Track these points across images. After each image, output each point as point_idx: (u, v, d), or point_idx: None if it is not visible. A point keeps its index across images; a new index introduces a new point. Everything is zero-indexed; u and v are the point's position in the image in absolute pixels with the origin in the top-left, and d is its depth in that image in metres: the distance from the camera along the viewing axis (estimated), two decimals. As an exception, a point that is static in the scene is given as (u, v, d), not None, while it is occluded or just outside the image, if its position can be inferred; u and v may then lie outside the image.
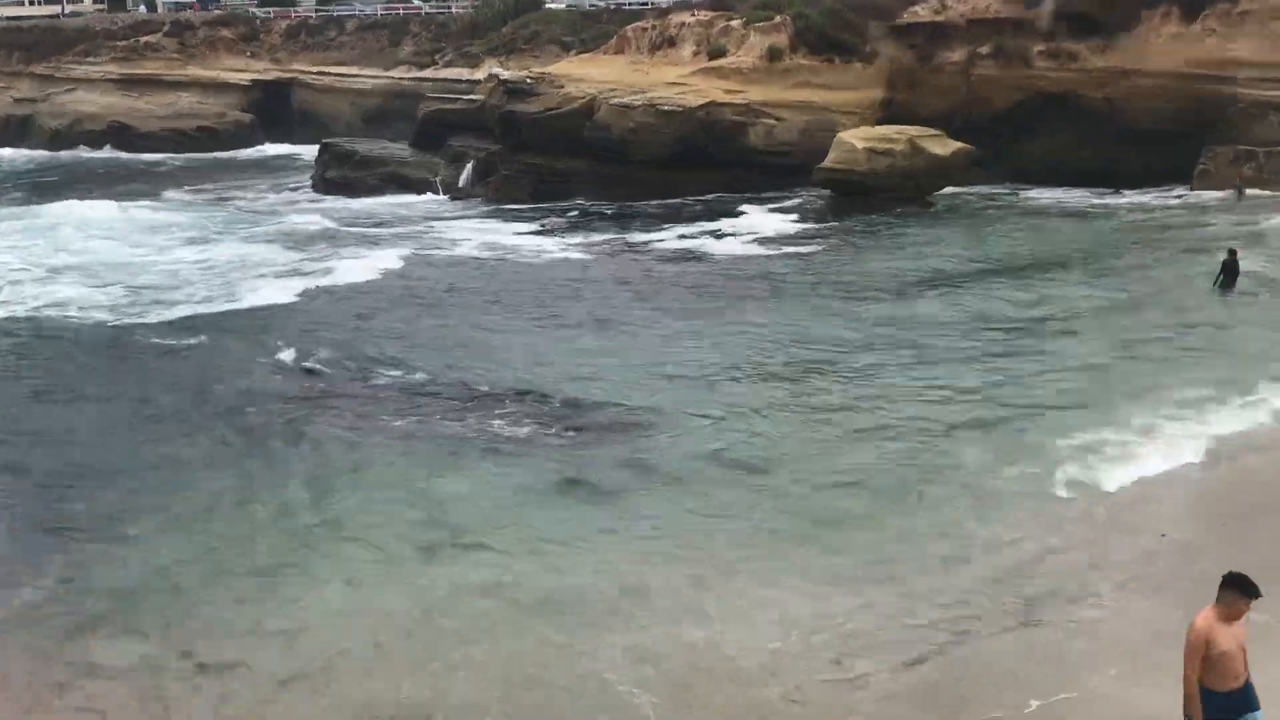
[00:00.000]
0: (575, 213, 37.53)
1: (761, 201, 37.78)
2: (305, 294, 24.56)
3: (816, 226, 33.33)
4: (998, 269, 25.67)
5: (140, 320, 22.48)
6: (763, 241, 31.28)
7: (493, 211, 37.94)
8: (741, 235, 32.44)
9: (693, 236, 32.43)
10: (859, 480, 13.87)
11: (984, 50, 40.60)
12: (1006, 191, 38.12)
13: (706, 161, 40.14)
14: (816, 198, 37.98)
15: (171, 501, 13.31)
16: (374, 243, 31.67)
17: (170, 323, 22.14)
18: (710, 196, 39.00)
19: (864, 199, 36.00)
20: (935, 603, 10.51)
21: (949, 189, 37.77)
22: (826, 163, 36.85)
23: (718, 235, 32.76)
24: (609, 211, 37.44)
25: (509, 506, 12.97)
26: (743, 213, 35.67)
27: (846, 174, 36.41)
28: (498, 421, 16.31)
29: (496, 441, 15.51)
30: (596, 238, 32.74)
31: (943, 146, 37.02)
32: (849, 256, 28.23)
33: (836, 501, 13.24)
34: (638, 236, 32.77)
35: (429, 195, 42.02)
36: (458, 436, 15.65)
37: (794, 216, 35.08)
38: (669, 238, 32.45)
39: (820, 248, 30.00)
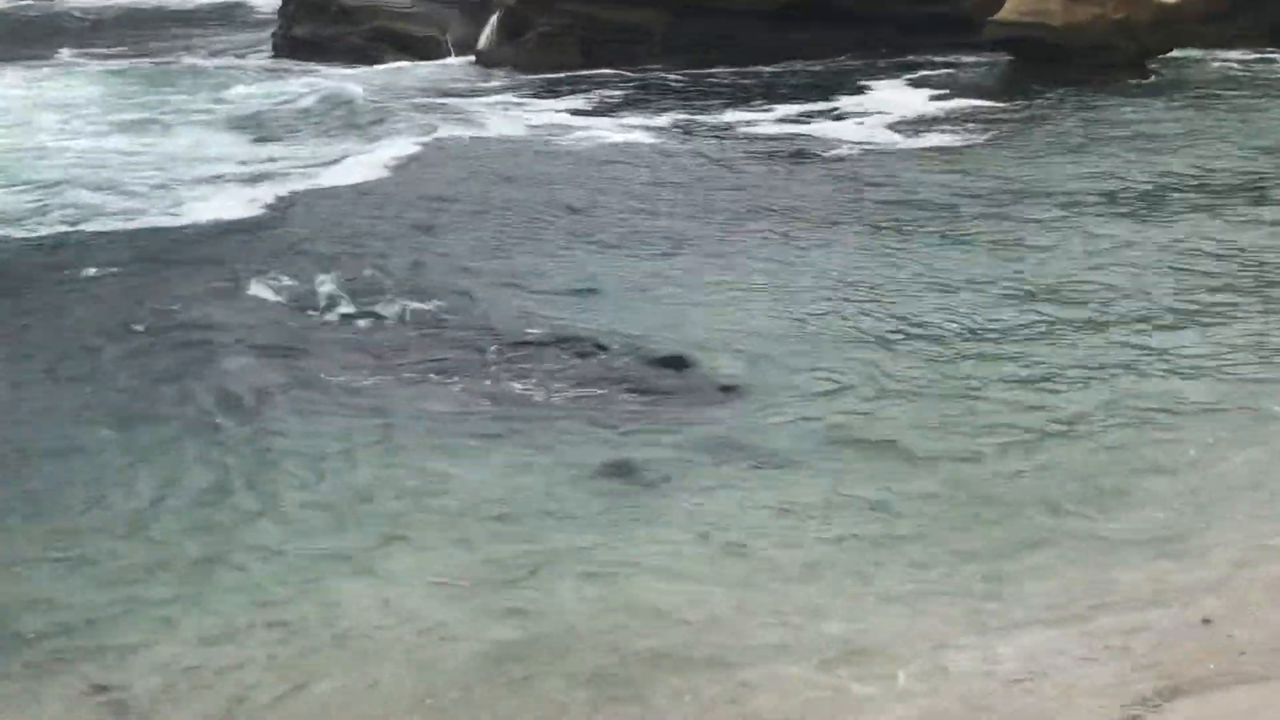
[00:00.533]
0: (639, 85, 37.59)
1: (905, 70, 37.57)
2: (276, 204, 24.82)
3: (980, 106, 33.04)
4: (1242, 183, 25.30)
5: (49, 236, 22.87)
6: (903, 130, 31.11)
7: (526, 85, 38.07)
8: (870, 119, 32.34)
9: (800, 120, 32.45)
10: (1036, 472, 13.90)
11: None
12: (1268, 56, 37.53)
13: (832, 12, 39.93)
14: (987, 65, 37.62)
15: (72, 498, 13.56)
16: (365, 129, 31.94)
17: (90, 242, 22.49)
18: (836, 63, 38.85)
19: (1056, 67, 35.67)
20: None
21: (1179, 51, 37.27)
22: (1004, 13, 36.51)
23: (836, 116, 32.78)
24: (685, 83, 37.44)
25: (539, 511, 13.11)
26: (868, 88, 35.54)
27: (1033, 30, 36.08)
28: (528, 381, 16.42)
29: (526, 410, 15.62)
30: (665, 120, 32.90)
31: (1173, -11, 36.57)
32: (1025, 156, 27.97)
33: (1009, 501, 13.29)
34: (726, 118, 32.84)
35: (436, 62, 42.20)
36: (475, 404, 15.78)
37: (945, 92, 34.82)
38: (766, 121, 32.46)
39: (982, 139, 29.75)
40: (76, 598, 11.55)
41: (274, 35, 46.47)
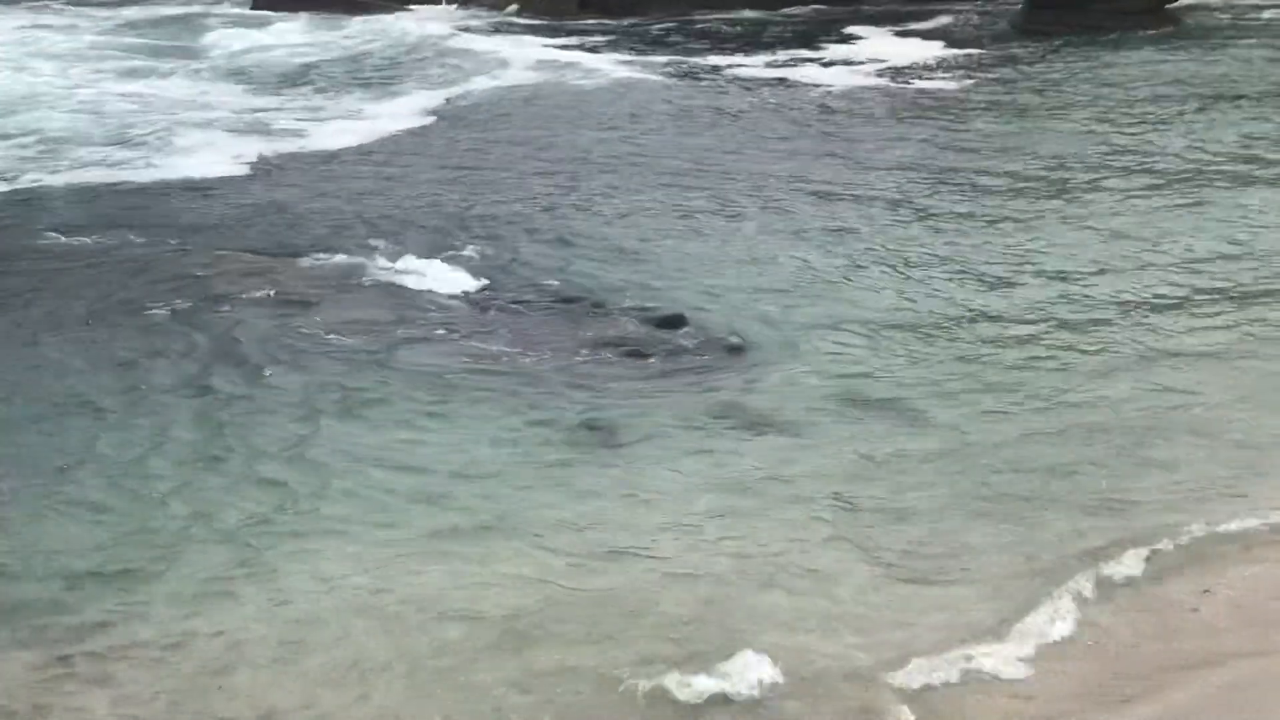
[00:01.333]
0: (631, 33, 37.31)
1: (912, 17, 37.09)
2: (264, 162, 24.38)
3: (986, 54, 32.41)
4: (1241, 154, 24.33)
5: (37, 190, 22.48)
6: (904, 78, 30.59)
7: (524, 29, 37.91)
8: (870, 65, 32.03)
9: (792, 64, 32.32)
10: (1063, 439, 13.26)
11: None
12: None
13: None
14: (998, 12, 37.07)
15: (56, 457, 13.15)
16: (370, 79, 31.50)
17: (87, 195, 22.07)
18: (838, 8, 38.41)
19: (1071, 12, 35.07)
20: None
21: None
22: (1017, -43, 35.88)
23: (829, 63, 32.50)
24: (681, 31, 37.21)
25: (534, 481, 12.56)
26: (870, 34, 35.16)
27: (1046, -30, 35.45)
28: (518, 340, 15.97)
29: (513, 370, 15.15)
30: (661, 58, 32.80)
31: (1194, -70, 35.86)
32: (1022, 111, 27.28)
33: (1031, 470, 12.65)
34: (720, 64, 32.67)
35: (427, 9, 41.64)
36: (460, 363, 15.30)
37: (952, 39, 34.31)
38: (759, 66, 32.33)
39: (984, 90, 29.06)
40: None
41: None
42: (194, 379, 14.89)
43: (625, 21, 38.72)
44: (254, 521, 11.73)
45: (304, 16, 41.03)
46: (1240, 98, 26.97)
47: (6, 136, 25.67)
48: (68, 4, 44.63)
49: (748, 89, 29.70)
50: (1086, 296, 16.49)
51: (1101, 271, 17.40)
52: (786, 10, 38.60)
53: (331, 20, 40.10)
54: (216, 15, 41.81)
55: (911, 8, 38.02)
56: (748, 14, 38.50)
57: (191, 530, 11.64)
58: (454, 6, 41.63)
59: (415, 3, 42.20)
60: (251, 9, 43.68)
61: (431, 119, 27.72)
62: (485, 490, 12.32)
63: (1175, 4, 36.12)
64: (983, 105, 27.19)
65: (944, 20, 36.76)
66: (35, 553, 11.35)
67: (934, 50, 32.95)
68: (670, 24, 37.91)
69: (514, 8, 41.07)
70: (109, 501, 12.29)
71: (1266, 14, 35.32)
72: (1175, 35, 33.70)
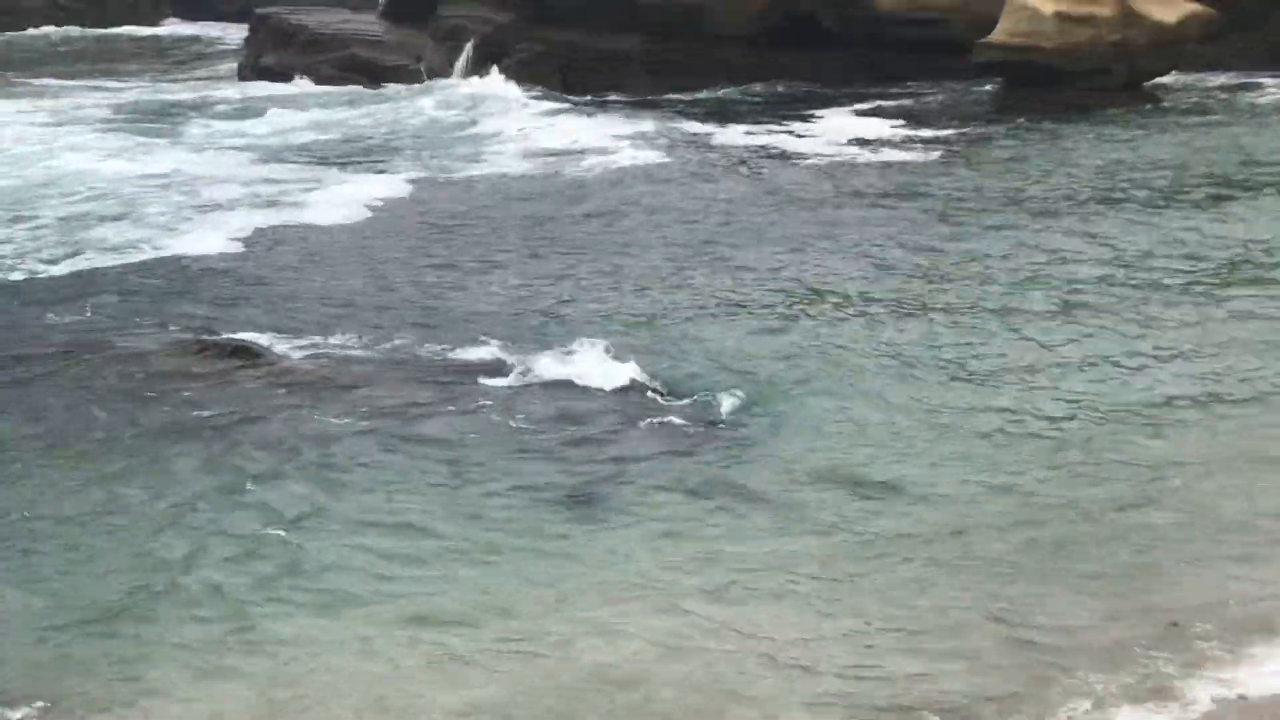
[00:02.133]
0: (623, 106, 37.36)
1: (889, 93, 37.27)
2: (254, 238, 24.26)
3: (962, 131, 32.53)
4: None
5: (32, 275, 22.35)
6: (878, 149, 30.80)
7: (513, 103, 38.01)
8: (847, 139, 32.25)
9: (775, 135, 32.63)
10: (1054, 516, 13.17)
11: None
12: (1259, 81, 37.12)
13: (817, 37, 39.55)
14: (976, 89, 37.22)
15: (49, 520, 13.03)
16: (362, 154, 31.58)
17: (71, 279, 21.91)
18: (817, 86, 38.56)
19: (1048, 90, 35.27)
20: None
21: (1175, 76, 37.00)
22: (995, 35, 36.05)
23: (811, 135, 32.80)
24: (666, 104, 37.44)
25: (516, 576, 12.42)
26: (848, 109, 35.43)
27: (1025, 53, 35.60)
28: (500, 413, 15.84)
29: (509, 444, 15.04)
30: (645, 135, 33.00)
31: (1169, 10, 36.12)
32: (1021, 190, 27.40)
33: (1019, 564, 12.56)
34: (707, 136, 33.07)
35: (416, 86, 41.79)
36: (438, 435, 15.24)
37: (926, 115, 34.46)
38: (743, 137, 32.66)
39: (961, 162, 29.27)
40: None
41: (240, 65, 46.04)
42: (185, 457, 14.76)
43: (608, 97, 38.90)
44: (245, 592, 11.74)
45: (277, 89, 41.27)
46: (1221, 178, 27.08)
47: (18, 222, 25.59)
48: (65, 84, 44.54)
49: (732, 165, 29.82)
50: (1076, 396, 16.33)
51: (1091, 365, 17.29)
52: (756, 88, 38.74)
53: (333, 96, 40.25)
54: (220, 93, 41.59)
55: (891, 87, 38.10)
56: (722, 92, 38.71)
57: (185, 598, 11.68)
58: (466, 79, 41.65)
59: (388, 83, 42.23)
60: (240, 80, 44.00)
61: (424, 193, 27.68)
62: (472, 566, 12.25)
63: (1151, 82, 36.32)
64: (969, 185, 27.23)
65: (927, 99, 36.88)
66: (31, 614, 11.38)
67: (917, 129, 33.02)
68: (648, 100, 38.00)
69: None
70: (113, 564, 12.24)
71: (1244, 96, 35.56)
72: (1153, 113, 33.89)
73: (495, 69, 40.49)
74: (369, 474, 14.41)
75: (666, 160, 30.12)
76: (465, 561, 12.45)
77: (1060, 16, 35.37)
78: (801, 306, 19.79)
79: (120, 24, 57.42)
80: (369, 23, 46.57)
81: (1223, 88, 36.89)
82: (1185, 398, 15.85)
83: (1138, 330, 18.14)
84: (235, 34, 51.85)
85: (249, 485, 14.06)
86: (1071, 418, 15.33)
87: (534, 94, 38.79)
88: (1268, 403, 15.75)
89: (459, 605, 11.62)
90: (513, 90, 39.12)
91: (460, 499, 13.74)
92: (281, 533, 12.96)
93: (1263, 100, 35.13)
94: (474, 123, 35.58)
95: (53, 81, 44.83)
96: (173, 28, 57.69)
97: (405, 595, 11.77)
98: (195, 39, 55.51)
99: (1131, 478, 13.84)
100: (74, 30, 56.30)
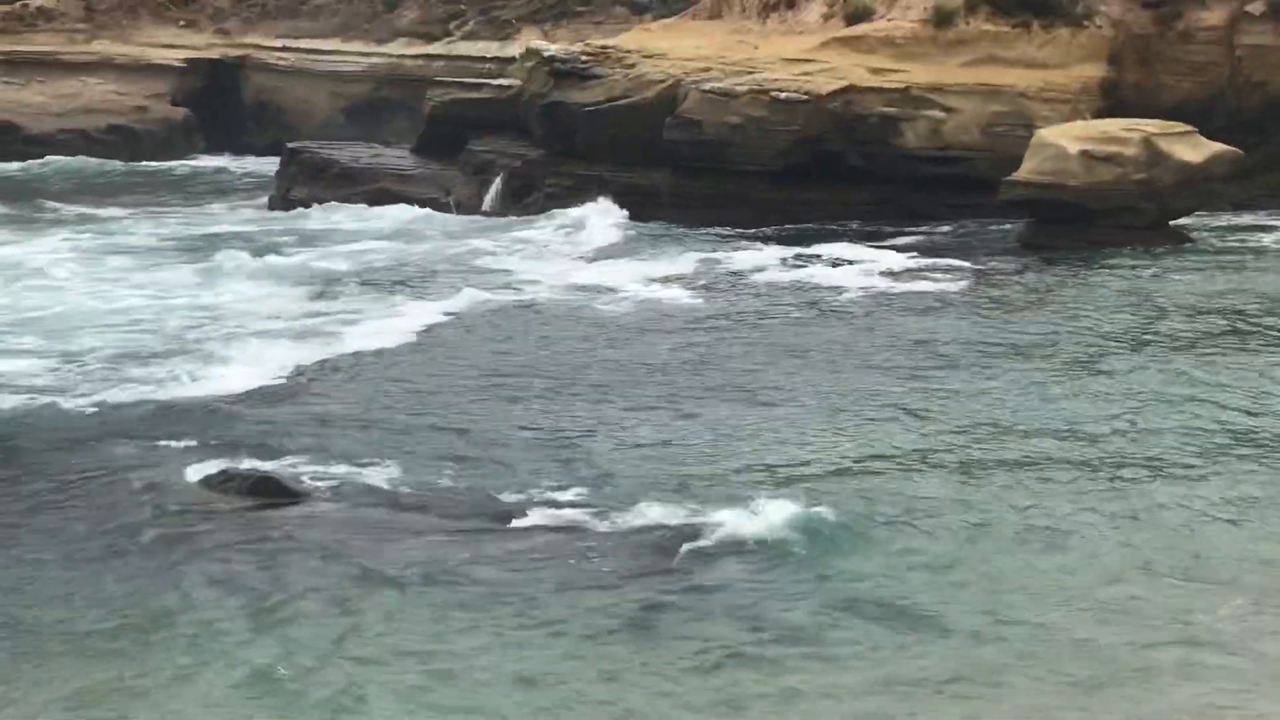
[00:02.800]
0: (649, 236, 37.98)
1: (914, 230, 37.43)
2: (296, 372, 24.36)
3: (990, 270, 32.68)
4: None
5: (61, 409, 22.42)
6: (904, 285, 30.98)
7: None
8: (874, 276, 32.48)
9: (802, 270, 33.23)
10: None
11: (1256, 8, 40.06)
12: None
13: (843, 173, 39.91)
14: (1004, 228, 37.36)
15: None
16: (399, 287, 31.93)
17: (100, 415, 21.96)
18: (842, 223, 38.82)
19: (1075, 228, 35.43)
20: None
21: (1201, 215, 37.16)
22: (1021, 174, 36.21)
23: (837, 268, 33.25)
24: (693, 238, 37.91)
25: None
26: (874, 247, 35.64)
27: (1051, 191, 35.78)
28: (540, 559, 15.93)
29: (528, 584, 15.12)
30: (670, 272, 33.56)
31: (1195, 150, 36.30)
32: (1029, 318, 27.54)
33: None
34: (735, 267, 33.63)
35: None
36: (458, 573, 15.43)
37: (953, 255, 34.55)
38: (773, 273, 33.12)
39: (986, 302, 29.47)
40: None
41: (271, 198, 46.51)
42: (210, 594, 14.82)
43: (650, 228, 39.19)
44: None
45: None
46: (1251, 320, 27.13)
47: (59, 351, 25.80)
48: (104, 213, 44.84)
49: (762, 296, 30.13)
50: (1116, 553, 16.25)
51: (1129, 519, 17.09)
52: (784, 226, 38.88)
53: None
54: (256, 226, 41.88)
55: (917, 224, 38.23)
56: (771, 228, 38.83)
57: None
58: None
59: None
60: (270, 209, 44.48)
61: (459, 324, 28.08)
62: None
63: (1178, 221, 36.47)
64: (1000, 325, 27.28)
65: (953, 237, 37.00)
66: None
67: (945, 269, 33.04)
68: (686, 232, 38.16)
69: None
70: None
71: (1268, 238, 35.63)
72: (1180, 252, 33.98)
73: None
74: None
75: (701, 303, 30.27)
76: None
77: (1086, 155, 35.60)
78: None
79: (152, 158, 58.08)
80: (399, 157, 47.08)
81: (1248, 227, 37.03)
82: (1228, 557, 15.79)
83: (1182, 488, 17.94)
84: (262, 166, 52.34)
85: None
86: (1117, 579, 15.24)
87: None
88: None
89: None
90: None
91: (468, 637, 13.72)
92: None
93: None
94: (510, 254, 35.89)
95: (92, 210, 45.31)
96: (203, 161, 58.30)
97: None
98: (225, 170, 56.08)
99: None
100: (109, 163, 56.93)
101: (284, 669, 13.07)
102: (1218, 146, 36.63)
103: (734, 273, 33.11)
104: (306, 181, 45.47)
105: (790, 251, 35.42)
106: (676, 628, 13.94)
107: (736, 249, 36.08)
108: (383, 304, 30.13)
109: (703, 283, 32.06)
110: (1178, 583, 14.86)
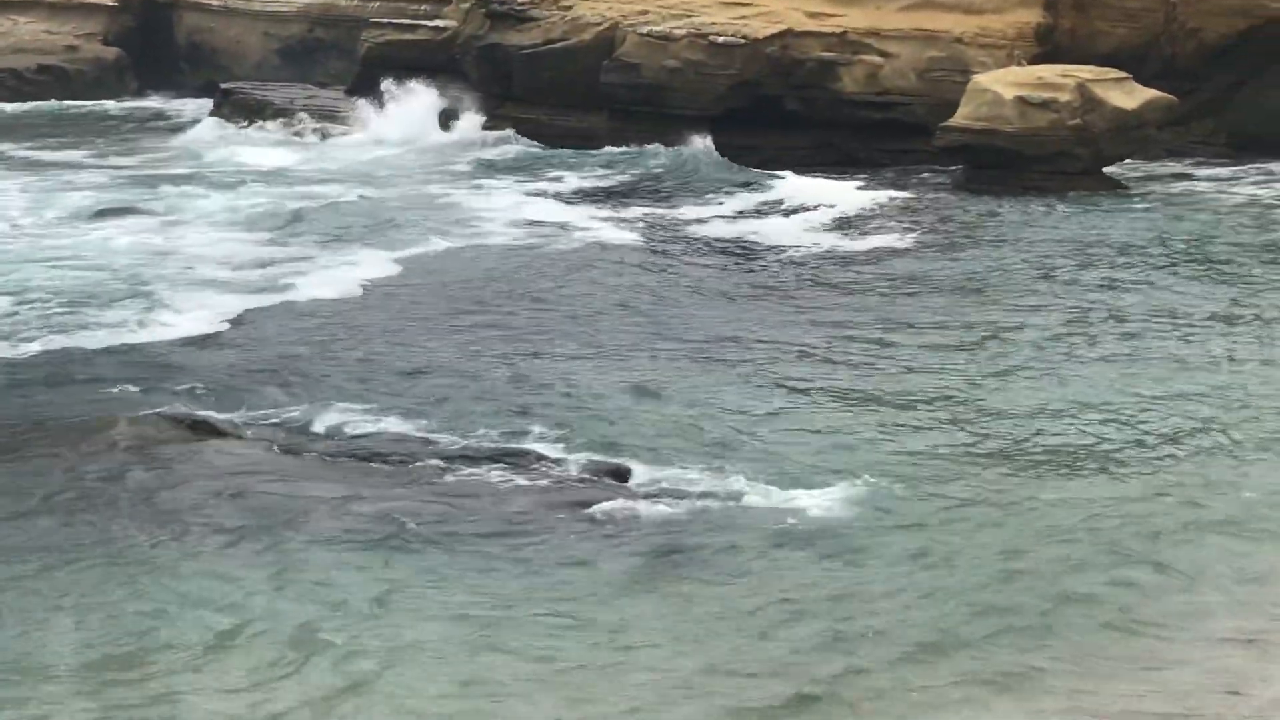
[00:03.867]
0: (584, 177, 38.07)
1: (852, 174, 37.50)
2: (242, 318, 24.20)
3: (924, 214, 32.87)
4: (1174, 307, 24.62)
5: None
6: (847, 234, 31.18)
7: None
8: (814, 221, 32.69)
9: (744, 219, 33.04)
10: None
11: (1191, -44, 40.29)
12: (1222, 169, 37.54)
13: (780, 118, 39.97)
14: (939, 172, 37.52)
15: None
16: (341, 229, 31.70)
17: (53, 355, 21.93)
18: (781, 165, 38.87)
19: (1009, 174, 35.65)
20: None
21: (1135, 161, 37.40)
22: (956, 119, 36.42)
23: (782, 214, 33.32)
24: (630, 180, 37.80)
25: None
26: (814, 190, 35.54)
27: (986, 136, 36.01)
28: (465, 498, 16.03)
29: (465, 527, 15.22)
30: (610, 213, 33.50)
31: (1129, 96, 36.60)
32: (963, 262, 27.84)
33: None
34: (676, 215, 33.56)
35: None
36: (396, 521, 15.44)
37: (891, 198, 34.69)
38: (714, 220, 33.05)
39: (922, 246, 29.79)
40: None
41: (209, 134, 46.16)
42: (141, 543, 14.84)
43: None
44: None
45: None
46: (1179, 257, 27.53)
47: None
48: (41, 155, 44.26)
49: (702, 243, 30.18)
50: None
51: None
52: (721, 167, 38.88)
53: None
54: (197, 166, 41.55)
55: (854, 169, 38.25)
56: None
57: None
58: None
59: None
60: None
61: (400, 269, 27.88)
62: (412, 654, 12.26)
63: (1112, 167, 36.76)
64: (932, 267, 27.57)
65: (890, 181, 36.97)
66: None
67: (881, 211, 33.19)
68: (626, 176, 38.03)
69: None
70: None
71: (1200, 184, 35.93)
72: (1113, 198, 34.28)
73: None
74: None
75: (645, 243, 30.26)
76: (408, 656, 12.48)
77: (1021, 101, 35.82)
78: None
79: (85, 98, 57.41)
80: (334, 99, 46.82)
81: (1181, 174, 37.30)
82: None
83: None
84: (197, 107, 51.83)
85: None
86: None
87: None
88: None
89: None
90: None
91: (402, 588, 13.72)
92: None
93: (1219, 187, 35.52)
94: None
95: (28, 152, 44.78)
96: (139, 102, 57.64)
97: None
98: (158, 111, 55.50)
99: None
100: (42, 104, 56.24)
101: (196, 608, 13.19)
102: (1151, 93, 36.92)
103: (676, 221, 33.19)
104: (240, 121, 45.27)
105: (728, 194, 35.47)
106: (611, 563, 14.11)
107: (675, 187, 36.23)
108: (333, 247, 29.85)
109: (643, 225, 32.16)
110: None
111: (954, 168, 37.23)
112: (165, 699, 11.58)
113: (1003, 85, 36.37)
